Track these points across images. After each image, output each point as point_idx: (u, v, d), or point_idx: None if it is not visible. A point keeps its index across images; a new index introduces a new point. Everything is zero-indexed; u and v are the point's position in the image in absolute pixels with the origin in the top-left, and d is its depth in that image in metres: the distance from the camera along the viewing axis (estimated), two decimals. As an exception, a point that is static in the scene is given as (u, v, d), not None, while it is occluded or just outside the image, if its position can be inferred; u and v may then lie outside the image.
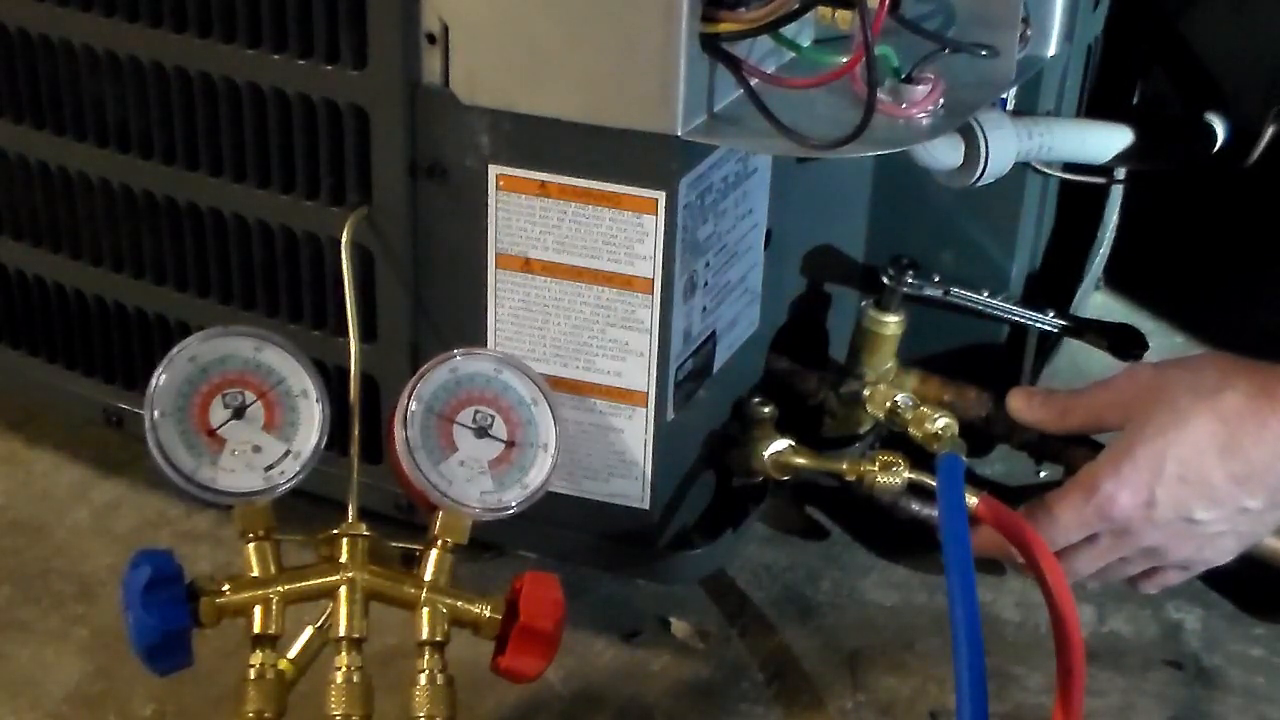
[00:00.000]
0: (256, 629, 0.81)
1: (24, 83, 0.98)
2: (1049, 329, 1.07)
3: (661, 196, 0.83)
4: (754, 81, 0.82)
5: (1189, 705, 0.95)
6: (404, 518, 0.94)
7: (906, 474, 0.91)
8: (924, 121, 0.85)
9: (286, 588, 0.82)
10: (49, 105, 0.98)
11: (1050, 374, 1.23)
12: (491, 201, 0.86)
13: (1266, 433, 0.84)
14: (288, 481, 0.83)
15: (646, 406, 0.88)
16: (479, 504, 0.84)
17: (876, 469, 0.91)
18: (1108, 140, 1.05)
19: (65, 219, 1.01)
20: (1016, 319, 1.05)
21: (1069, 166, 1.07)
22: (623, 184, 0.83)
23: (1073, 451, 0.95)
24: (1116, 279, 1.32)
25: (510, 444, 0.85)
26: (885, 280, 1.00)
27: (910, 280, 0.99)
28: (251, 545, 0.82)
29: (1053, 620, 0.84)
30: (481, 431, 0.84)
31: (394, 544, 0.85)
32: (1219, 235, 1.28)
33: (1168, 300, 1.32)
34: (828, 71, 0.82)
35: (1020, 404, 0.95)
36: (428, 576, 0.83)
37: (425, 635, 0.82)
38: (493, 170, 0.85)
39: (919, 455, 0.92)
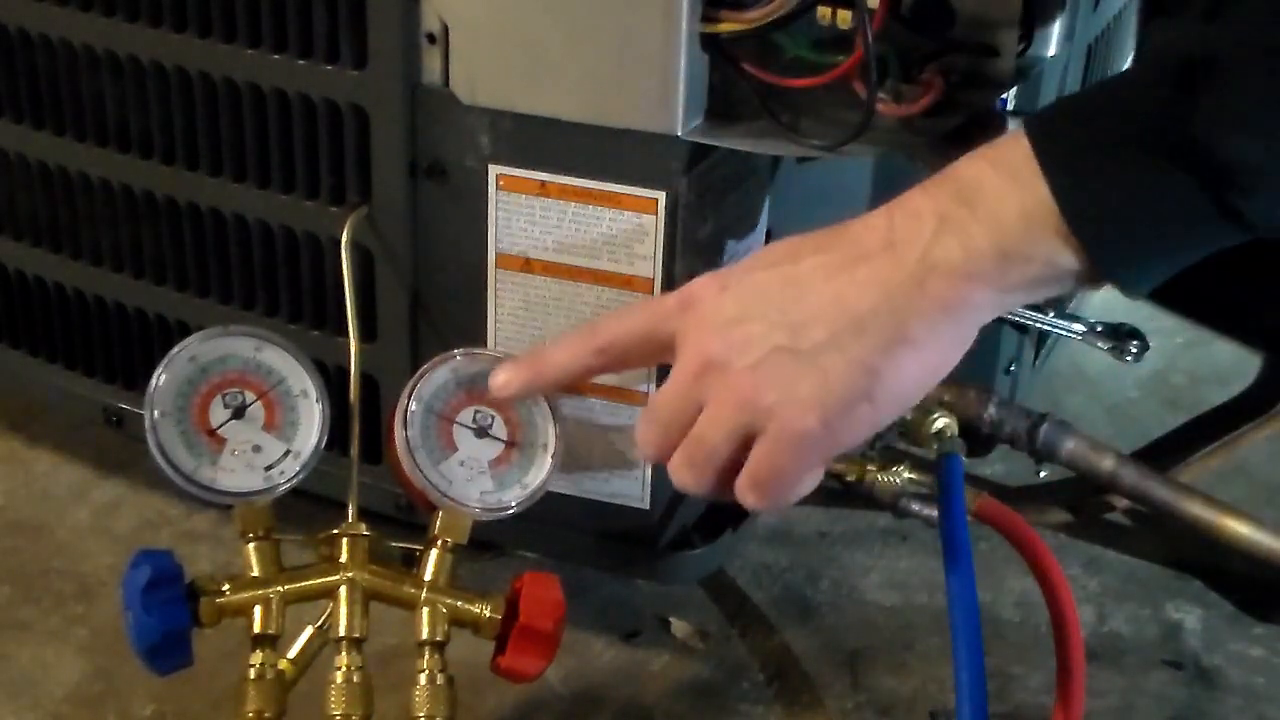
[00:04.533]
0: (256, 629, 0.81)
1: (24, 83, 0.98)
2: (1049, 329, 1.07)
3: (661, 196, 0.83)
4: (754, 81, 0.82)
5: (1189, 705, 0.95)
6: (404, 518, 0.93)
7: (906, 474, 0.91)
8: (924, 121, 0.85)
9: (286, 588, 0.82)
10: (49, 105, 0.98)
11: (1050, 374, 1.23)
12: (491, 201, 0.86)
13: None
14: (288, 481, 0.83)
15: (646, 406, 0.88)
16: (479, 504, 0.84)
17: (876, 469, 0.91)
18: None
19: (65, 219, 1.01)
20: (1016, 319, 1.05)
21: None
22: (623, 184, 0.83)
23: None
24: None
25: (510, 444, 0.85)
26: (885, 280, 0.99)
27: (910, 280, 0.99)
28: (251, 545, 0.82)
29: (1053, 620, 0.84)
30: (481, 431, 0.84)
31: (394, 544, 0.85)
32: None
33: (1175, 296, 1.31)
34: (828, 71, 0.82)
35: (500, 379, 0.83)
36: (428, 576, 0.83)
37: (425, 635, 0.82)
38: (493, 170, 0.85)
39: (919, 455, 0.92)
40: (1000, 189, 0.67)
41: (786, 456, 0.71)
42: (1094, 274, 0.67)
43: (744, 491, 0.73)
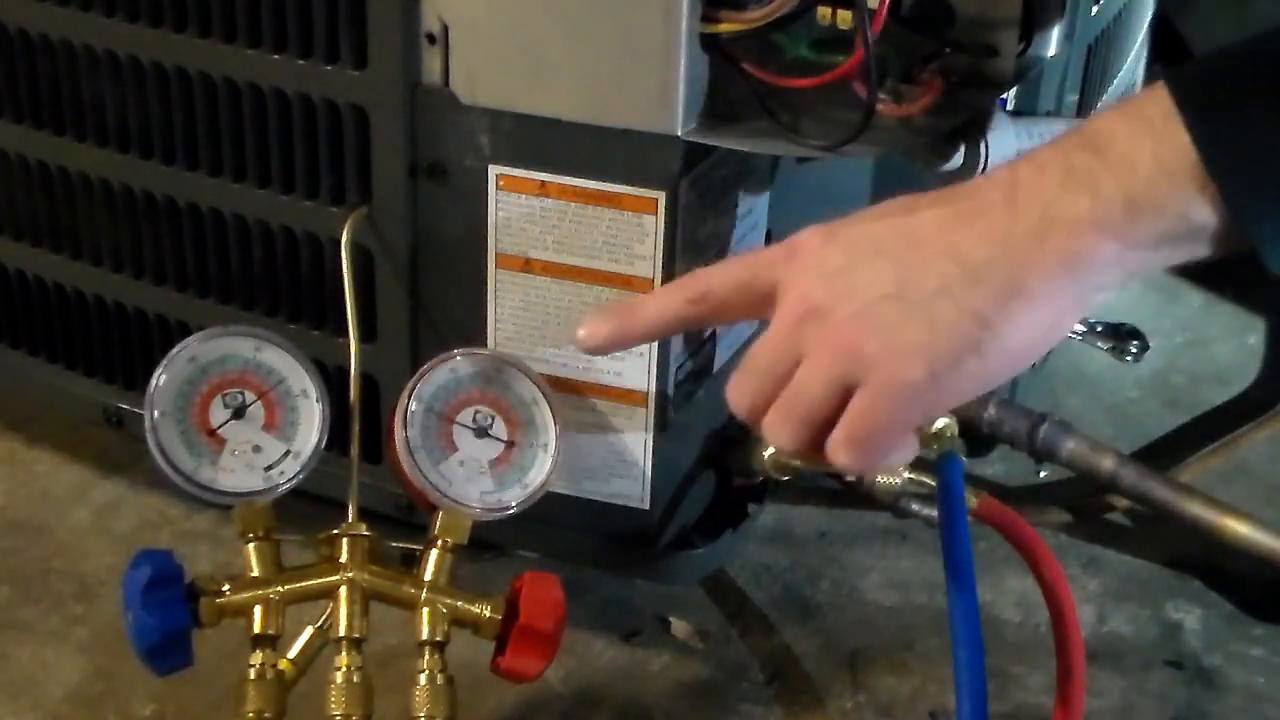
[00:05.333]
0: (256, 629, 0.81)
1: (24, 83, 0.98)
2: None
3: (661, 196, 0.83)
4: (754, 81, 0.82)
5: (1189, 705, 0.95)
6: (404, 518, 0.93)
7: (906, 474, 0.91)
8: (924, 121, 0.85)
9: (286, 588, 0.82)
10: (49, 105, 0.98)
11: (1050, 374, 1.23)
12: (491, 201, 0.86)
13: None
14: (288, 481, 0.83)
15: (646, 406, 0.88)
16: (479, 504, 0.84)
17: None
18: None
19: (65, 219, 1.01)
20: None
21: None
22: (623, 184, 0.83)
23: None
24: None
25: (510, 444, 0.85)
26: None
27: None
28: (251, 545, 0.82)
29: (1053, 620, 0.84)
30: (481, 431, 0.84)
31: (394, 544, 0.85)
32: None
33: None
34: (828, 71, 0.82)
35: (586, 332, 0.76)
36: (428, 576, 0.83)
37: (425, 635, 0.82)
38: (493, 170, 0.85)
39: (919, 455, 0.92)
40: (1134, 137, 0.63)
41: (887, 409, 0.66)
42: (1230, 229, 0.62)
43: (837, 448, 0.68)
